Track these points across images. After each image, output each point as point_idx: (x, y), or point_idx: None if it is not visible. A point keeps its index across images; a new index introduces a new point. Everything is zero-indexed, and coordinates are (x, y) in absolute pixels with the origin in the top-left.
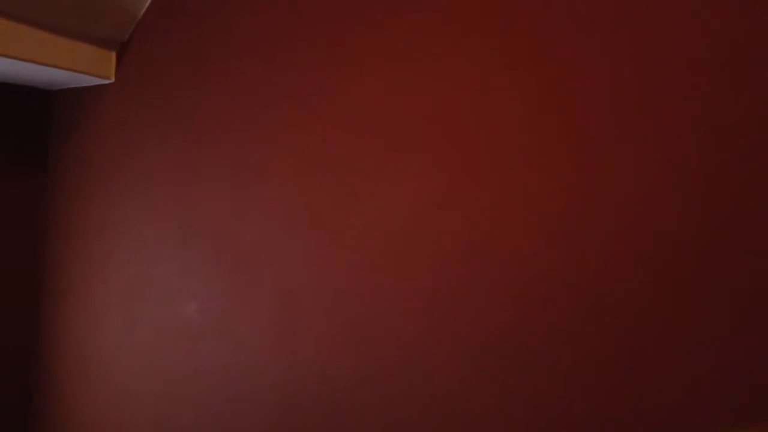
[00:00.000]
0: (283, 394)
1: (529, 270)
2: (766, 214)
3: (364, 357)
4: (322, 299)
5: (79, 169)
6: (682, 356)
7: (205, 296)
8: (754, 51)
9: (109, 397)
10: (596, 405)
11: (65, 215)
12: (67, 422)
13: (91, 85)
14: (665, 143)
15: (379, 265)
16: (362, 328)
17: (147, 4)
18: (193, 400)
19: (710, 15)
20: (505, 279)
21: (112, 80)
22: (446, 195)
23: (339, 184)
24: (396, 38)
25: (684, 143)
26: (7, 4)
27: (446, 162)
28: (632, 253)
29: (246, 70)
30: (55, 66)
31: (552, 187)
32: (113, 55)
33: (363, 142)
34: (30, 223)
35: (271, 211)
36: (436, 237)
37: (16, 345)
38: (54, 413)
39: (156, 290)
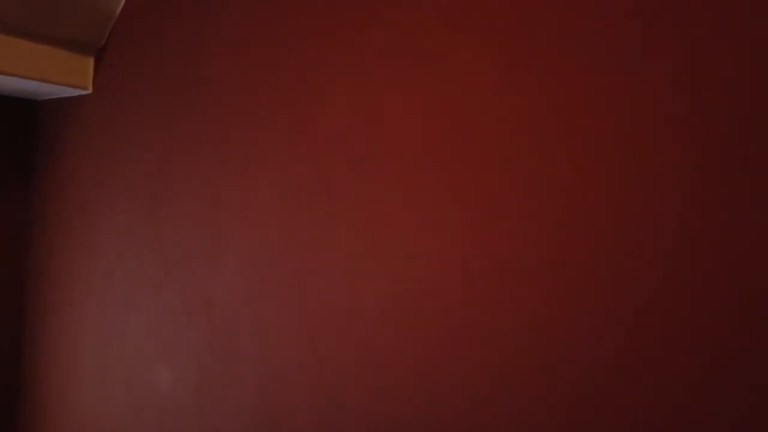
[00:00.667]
0: None
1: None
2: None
3: None
4: (313, 381)
5: (61, 186)
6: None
7: (178, 365)
8: (757, 52)
9: None
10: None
11: (48, 236)
12: None
13: (73, 95)
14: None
15: (383, 332)
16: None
17: (122, 3)
18: None
19: (713, 14)
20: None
21: (90, 90)
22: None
23: (336, 223)
24: (401, 36)
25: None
26: None
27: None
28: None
29: (232, 77)
30: (25, 76)
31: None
32: (90, 62)
33: (365, 166)
34: (14, 242)
35: (251, 259)
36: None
37: None
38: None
39: (127, 345)
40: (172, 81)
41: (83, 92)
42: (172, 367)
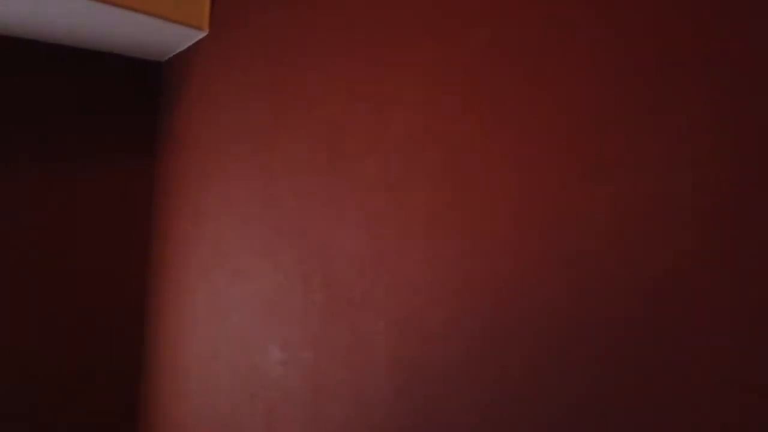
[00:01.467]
0: None
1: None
2: None
3: None
4: (467, 355)
5: (176, 152)
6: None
7: (292, 343)
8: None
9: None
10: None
11: (166, 203)
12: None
13: (191, 44)
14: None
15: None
16: None
17: None
18: None
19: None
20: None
21: (206, 32)
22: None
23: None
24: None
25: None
26: None
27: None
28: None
29: (362, 8)
30: (133, 9)
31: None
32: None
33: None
34: (136, 217)
35: (377, 209)
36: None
37: (122, 343)
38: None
39: (235, 317)
40: (292, 17)
41: (201, 34)
42: (284, 346)
